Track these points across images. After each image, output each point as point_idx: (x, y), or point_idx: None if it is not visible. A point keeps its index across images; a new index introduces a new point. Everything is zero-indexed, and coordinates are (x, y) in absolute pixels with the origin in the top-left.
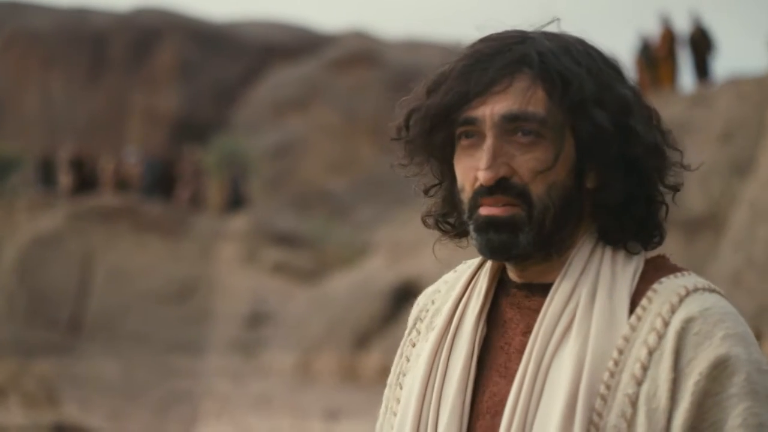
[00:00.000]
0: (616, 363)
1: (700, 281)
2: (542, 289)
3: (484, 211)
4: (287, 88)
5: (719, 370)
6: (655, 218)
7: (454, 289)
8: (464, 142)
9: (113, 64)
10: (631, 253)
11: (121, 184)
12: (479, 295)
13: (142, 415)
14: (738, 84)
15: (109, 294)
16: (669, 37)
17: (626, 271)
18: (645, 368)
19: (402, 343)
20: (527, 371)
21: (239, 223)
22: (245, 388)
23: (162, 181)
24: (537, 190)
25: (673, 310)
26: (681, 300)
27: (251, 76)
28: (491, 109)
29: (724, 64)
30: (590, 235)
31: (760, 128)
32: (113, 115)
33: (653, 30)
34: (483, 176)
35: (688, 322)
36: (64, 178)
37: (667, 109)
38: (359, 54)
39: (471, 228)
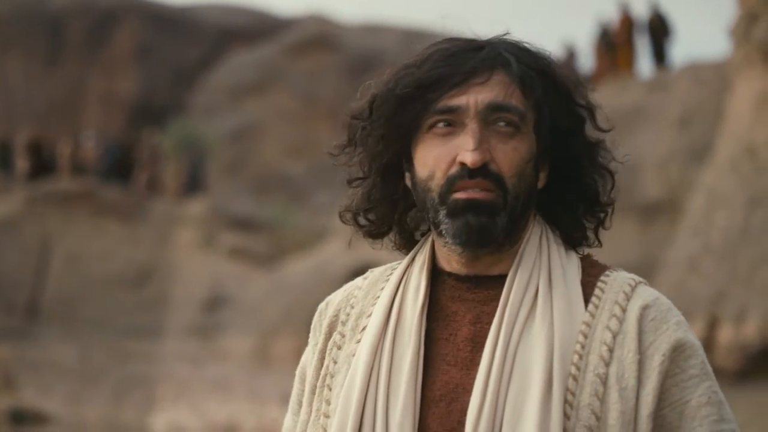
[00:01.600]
0: (583, 346)
1: (637, 276)
2: (487, 281)
3: (462, 195)
4: (245, 72)
5: (678, 353)
6: (601, 221)
7: (377, 291)
8: (439, 130)
9: (71, 48)
10: (571, 249)
11: (79, 168)
12: (418, 292)
13: (99, 399)
14: (696, 70)
15: (67, 278)
16: (627, 23)
17: (572, 264)
18: (611, 350)
19: (314, 349)
20: (494, 357)
21: (197, 207)
22: (203, 373)
23: (120, 165)
24: (511, 178)
25: (627, 299)
26: (632, 289)
27: (209, 60)
28: (475, 98)
29: (682, 51)
30: (535, 229)
31: (718, 114)
32: (71, 98)
33: (612, 16)
34: (471, 158)
35: (644, 309)
36: (22, 163)
37: (626, 94)
38: (317, 38)
39: (442, 214)
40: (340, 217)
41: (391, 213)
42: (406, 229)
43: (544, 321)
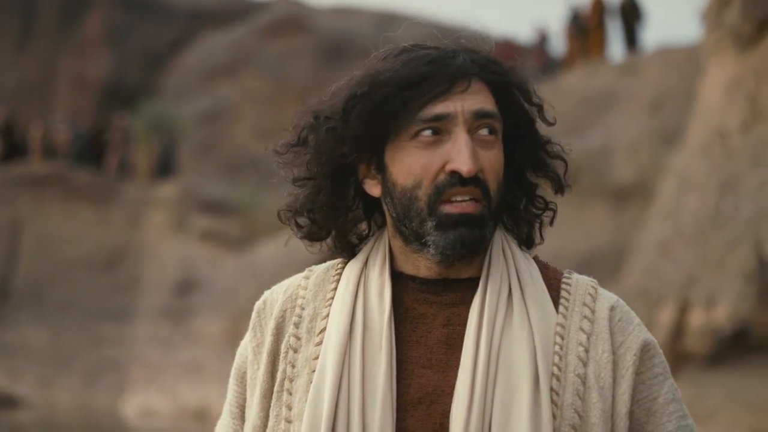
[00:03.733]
0: (561, 347)
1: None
2: (454, 284)
3: (455, 209)
4: (217, 54)
5: (644, 352)
6: (544, 222)
7: (327, 292)
8: (425, 138)
9: (42, 30)
10: (526, 251)
11: (49, 151)
12: (382, 294)
13: (70, 383)
14: (667, 54)
15: (38, 262)
16: (599, 6)
17: (533, 266)
18: (587, 351)
19: (258, 350)
20: (478, 359)
21: (168, 190)
22: (174, 356)
23: (91, 147)
24: (494, 186)
25: (593, 300)
26: (596, 291)
27: (181, 42)
28: (462, 105)
29: (654, 35)
30: (497, 233)
31: (689, 98)
32: (42, 81)
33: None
34: (466, 167)
35: (612, 310)
36: None
37: (597, 78)
38: (289, 20)
39: (430, 225)
40: (279, 216)
41: (336, 216)
42: (346, 233)
43: (522, 322)
